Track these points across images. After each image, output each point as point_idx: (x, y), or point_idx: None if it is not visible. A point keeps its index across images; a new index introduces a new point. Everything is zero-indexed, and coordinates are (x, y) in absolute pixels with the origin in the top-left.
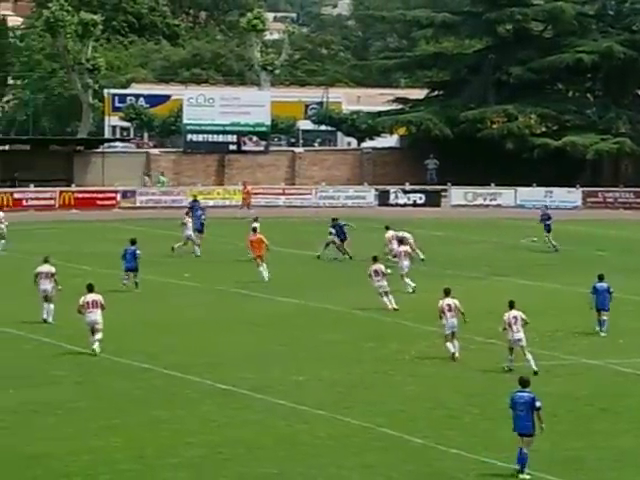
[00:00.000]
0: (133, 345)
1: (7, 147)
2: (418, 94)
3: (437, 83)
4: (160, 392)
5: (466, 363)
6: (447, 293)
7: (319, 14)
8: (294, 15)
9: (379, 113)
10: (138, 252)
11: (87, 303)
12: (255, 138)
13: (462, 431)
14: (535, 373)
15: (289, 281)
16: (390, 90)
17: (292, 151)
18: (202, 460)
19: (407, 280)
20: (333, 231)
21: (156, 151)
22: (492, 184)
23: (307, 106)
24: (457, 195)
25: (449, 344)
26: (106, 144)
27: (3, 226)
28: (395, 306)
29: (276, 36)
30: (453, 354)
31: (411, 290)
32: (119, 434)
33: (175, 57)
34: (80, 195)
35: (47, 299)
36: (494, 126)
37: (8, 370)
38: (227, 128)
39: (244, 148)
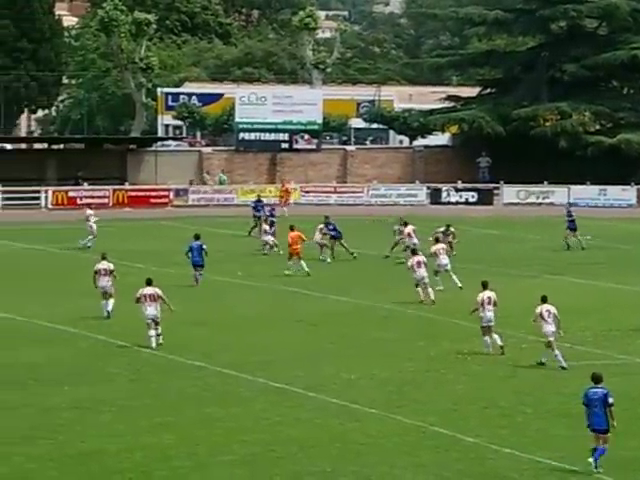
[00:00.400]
0: (187, 343)
1: (62, 146)
2: (470, 92)
3: (489, 81)
4: (214, 390)
5: (518, 362)
6: (485, 286)
7: (371, 12)
8: (346, 13)
9: (431, 111)
10: (204, 247)
11: (144, 296)
12: (307, 136)
13: (515, 430)
14: (563, 368)
15: (341, 279)
16: (442, 88)
17: (344, 149)
18: (255, 458)
19: (454, 277)
20: (324, 229)
21: (208, 150)
22: (545, 182)
23: (359, 104)
24: (509, 193)
25: (487, 338)
26: (159, 143)
27: (92, 223)
28: (433, 298)
29: (328, 34)
30: (501, 347)
31: (460, 285)
32: (173, 431)
33: (227, 56)
34: (133, 193)
35: (107, 295)
36: (547, 124)
37: (63, 367)
38: (279, 126)
39: (296, 146)
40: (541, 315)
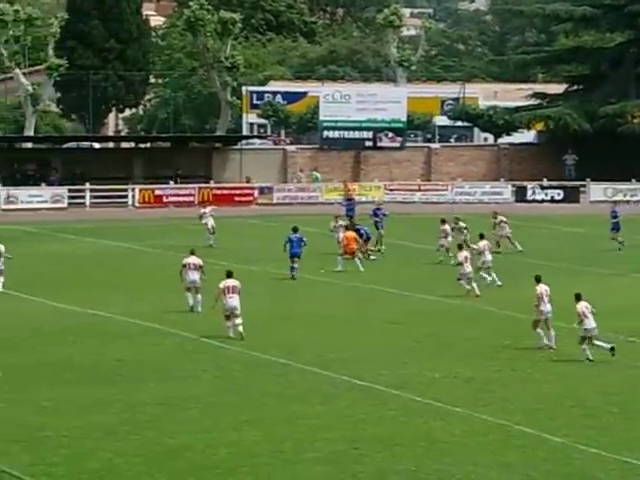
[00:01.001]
0: (271, 340)
1: (149, 145)
2: (556, 89)
3: (576, 77)
4: (297, 387)
5: (605, 361)
6: (539, 280)
7: (456, 9)
8: (431, 11)
9: (516, 108)
10: (304, 239)
11: (227, 288)
12: (391, 134)
13: (602, 430)
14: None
15: (424, 278)
16: (528, 85)
17: (428, 147)
18: (340, 456)
19: (493, 275)
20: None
21: (293, 148)
22: (633, 180)
23: (443, 102)
24: (596, 191)
25: (540, 330)
26: (244, 141)
27: (211, 222)
28: (478, 293)
29: (413, 32)
30: (548, 346)
31: (499, 283)
32: (258, 428)
33: (312, 54)
34: (218, 192)
35: (195, 290)
36: (635, 120)
37: (149, 364)
38: (363, 124)
39: (380, 144)
40: (583, 313)
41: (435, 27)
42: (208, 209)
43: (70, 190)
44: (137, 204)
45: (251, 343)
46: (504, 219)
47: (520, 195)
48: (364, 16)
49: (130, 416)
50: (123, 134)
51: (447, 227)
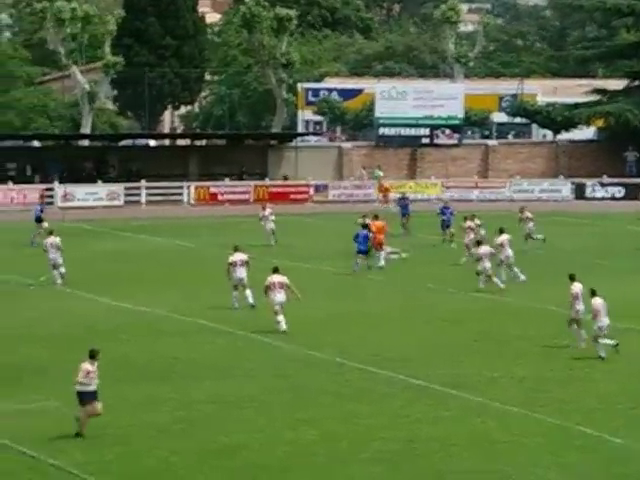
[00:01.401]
0: (327, 338)
1: (204, 142)
2: (617, 85)
3: (637, 73)
4: (353, 386)
5: None
6: (573, 278)
7: (514, 4)
8: (489, 6)
9: (576, 105)
10: (370, 235)
11: (273, 284)
12: (448, 131)
13: None
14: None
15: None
16: (587, 81)
17: (485, 144)
18: (396, 456)
19: (515, 270)
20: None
21: (348, 145)
22: None
23: (501, 98)
24: None
25: (577, 328)
26: (299, 138)
27: (271, 225)
28: (502, 287)
29: (470, 28)
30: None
31: (523, 278)
32: (314, 427)
33: (368, 50)
34: (274, 189)
35: (243, 287)
36: None
37: (204, 362)
38: (420, 121)
39: (437, 141)
40: (598, 310)
41: (493, 22)
42: (267, 211)
43: (126, 188)
44: (192, 202)
45: (305, 341)
46: (530, 215)
47: (579, 192)
48: (421, 12)
49: (185, 414)
50: (179, 131)
51: (470, 223)
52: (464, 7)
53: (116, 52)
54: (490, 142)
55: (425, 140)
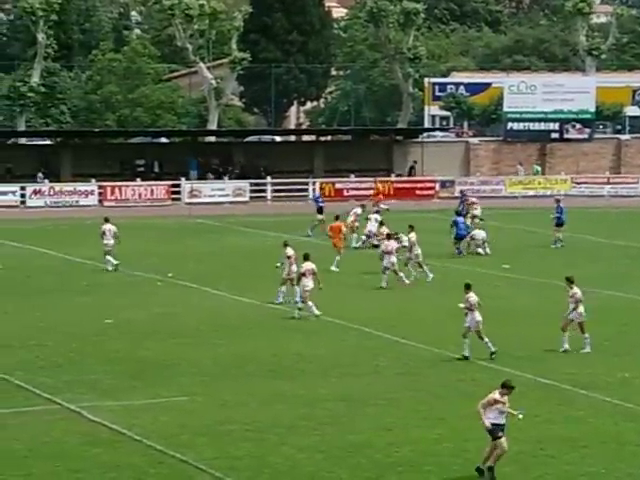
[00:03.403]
0: (449, 335)
1: (329, 137)
2: None
3: None
4: (482, 385)
5: None
6: (572, 281)
7: None
8: None
9: None
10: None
11: (307, 271)
12: (579, 126)
13: None
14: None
15: (614, 274)
16: None
17: (618, 138)
18: (525, 456)
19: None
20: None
21: (475, 140)
22: None
23: (635, 91)
24: None
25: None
26: (425, 134)
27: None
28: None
29: (603, 19)
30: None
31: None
32: (441, 426)
33: (496, 44)
34: (399, 185)
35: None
36: None
37: (329, 359)
38: (549, 116)
39: (567, 136)
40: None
41: (627, 13)
42: (359, 210)
43: (252, 184)
44: None
45: (433, 340)
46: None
47: None
48: (552, 4)
49: (311, 411)
50: (304, 127)
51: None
52: None
53: (243, 48)
54: (623, 137)
55: (555, 135)
